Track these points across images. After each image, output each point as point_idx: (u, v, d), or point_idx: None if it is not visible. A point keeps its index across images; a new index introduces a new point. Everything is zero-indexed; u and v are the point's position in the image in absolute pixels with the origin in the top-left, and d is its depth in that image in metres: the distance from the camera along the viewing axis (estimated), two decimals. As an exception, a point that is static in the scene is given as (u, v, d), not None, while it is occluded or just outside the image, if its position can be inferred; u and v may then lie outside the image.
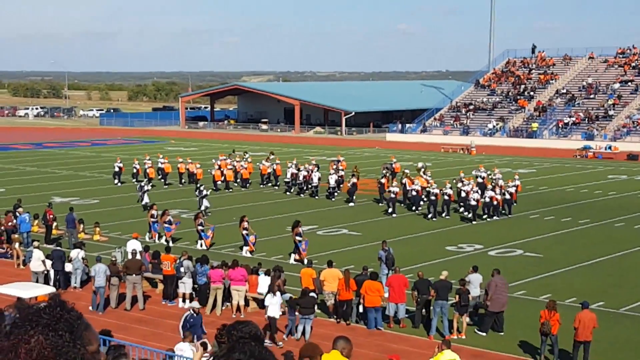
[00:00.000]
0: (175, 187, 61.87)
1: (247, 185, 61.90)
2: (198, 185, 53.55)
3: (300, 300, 27.01)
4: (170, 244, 39.88)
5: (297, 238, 37.34)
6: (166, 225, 41.23)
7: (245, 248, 39.12)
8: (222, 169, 61.96)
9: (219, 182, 60.62)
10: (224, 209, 51.27)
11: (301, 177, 58.19)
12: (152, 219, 42.27)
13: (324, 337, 23.48)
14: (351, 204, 53.99)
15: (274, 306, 26.61)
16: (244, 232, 39.05)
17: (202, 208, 48.91)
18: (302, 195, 57.73)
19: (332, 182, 56.03)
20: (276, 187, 61.36)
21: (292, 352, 18.58)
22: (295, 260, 37.17)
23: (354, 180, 55.17)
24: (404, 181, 54.07)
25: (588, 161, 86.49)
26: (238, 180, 62.36)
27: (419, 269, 32.22)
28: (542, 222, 48.29)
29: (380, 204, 53.74)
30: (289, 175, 58.72)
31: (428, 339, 26.80)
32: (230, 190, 60.25)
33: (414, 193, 51.64)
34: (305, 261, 34.89)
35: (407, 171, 59.54)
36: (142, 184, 53.83)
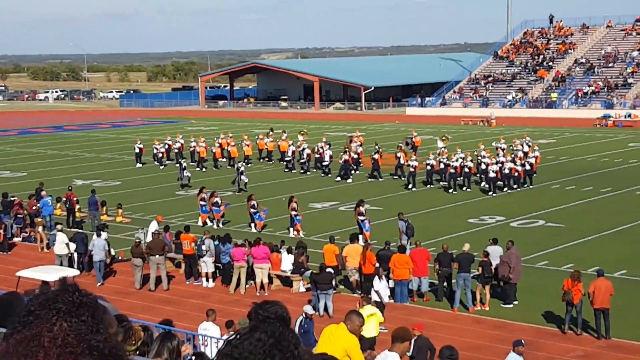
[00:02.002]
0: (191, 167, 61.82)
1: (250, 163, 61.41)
2: (236, 162, 54.68)
3: (317, 277, 27.13)
4: (220, 225, 39.90)
5: (360, 217, 36.48)
6: (214, 207, 40.65)
7: (291, 229, 38.56)
8: (222, 147, 62.22)
9: (220, 160, 61.22)
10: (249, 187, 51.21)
11: (305, 155, 58.05)
12: (201, 202, 41.08)
13: (346, 313, 23.40)
14: (338, 179, 54.08)
15: (382, 291, 26.18)
16: (293, 212, 38.49)
17: (242, 186, 49.70)
18: (308, 173, 57.42)
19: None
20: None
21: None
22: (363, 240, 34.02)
23: (346, 157, 54.72)
24: (399, 155, 53.98)
25: (608, 130, 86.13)
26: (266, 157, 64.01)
27: (442, 241, 32.11)
28: (563, 192, 48.17)
29: (368, 180, 53.91)
30: (327, 158, 57.32)
31: (452, 312, 26.89)
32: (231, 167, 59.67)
33: (428, 168, 51.39)
34: (361, 241, 32.76)
35: (401, 145, 59.19)
36: (182, 162, 53.76)
